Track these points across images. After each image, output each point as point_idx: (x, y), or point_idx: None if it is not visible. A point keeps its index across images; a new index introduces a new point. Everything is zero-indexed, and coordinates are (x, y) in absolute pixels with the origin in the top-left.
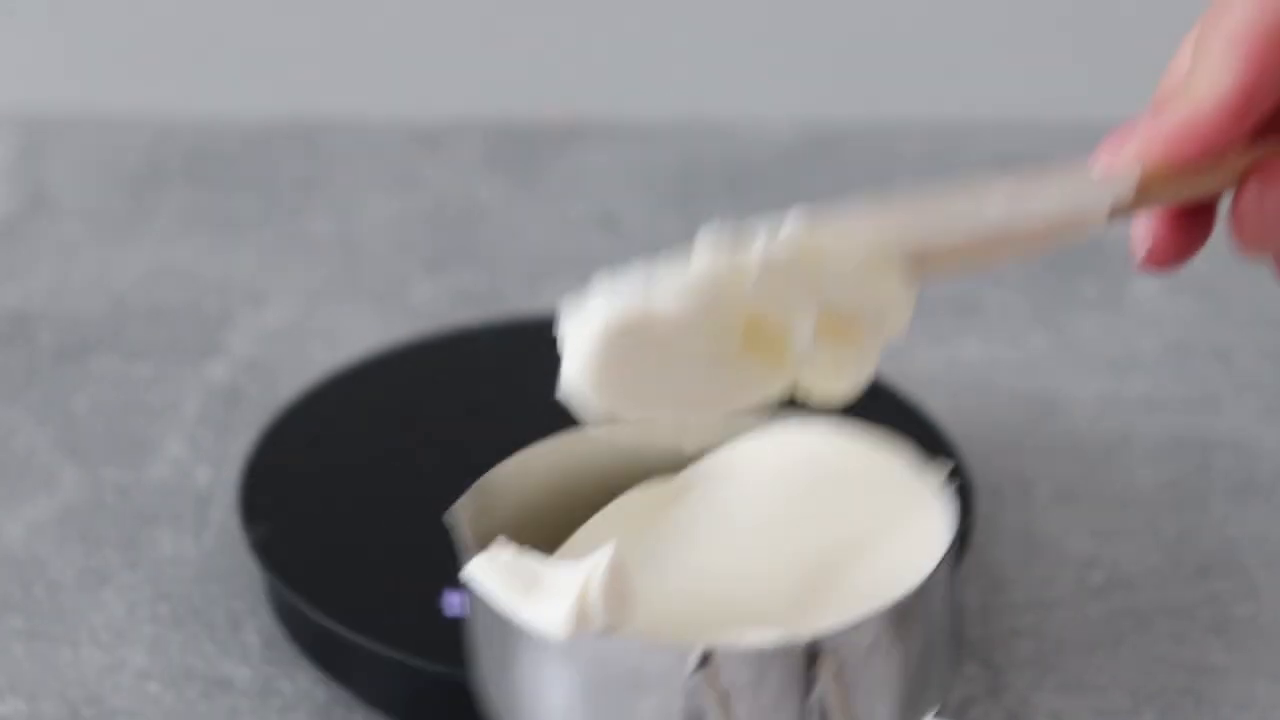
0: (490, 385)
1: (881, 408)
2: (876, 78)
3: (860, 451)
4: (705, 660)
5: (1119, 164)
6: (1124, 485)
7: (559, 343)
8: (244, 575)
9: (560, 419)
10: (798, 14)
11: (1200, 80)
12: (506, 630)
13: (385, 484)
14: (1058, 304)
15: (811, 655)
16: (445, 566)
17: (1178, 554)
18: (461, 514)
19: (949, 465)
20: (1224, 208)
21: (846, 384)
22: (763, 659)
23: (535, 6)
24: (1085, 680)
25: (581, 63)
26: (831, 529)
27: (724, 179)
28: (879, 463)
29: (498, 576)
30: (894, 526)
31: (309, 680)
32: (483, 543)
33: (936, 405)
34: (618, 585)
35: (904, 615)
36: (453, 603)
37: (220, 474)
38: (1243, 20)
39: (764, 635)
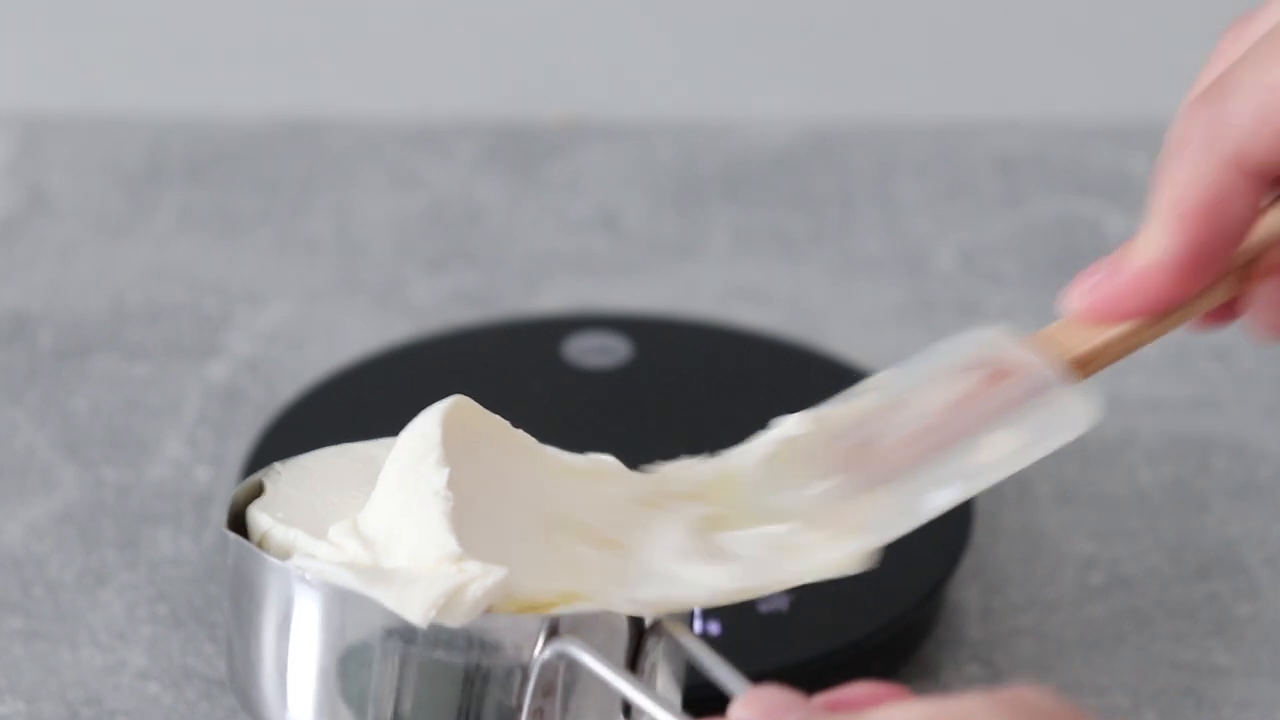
0: (490, 385)
1: None
2: (876, 78)
3: None
4: (553, 629)
5: (1071, 312)
6: (1124, 485)
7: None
8: None
9: (560, 418)
10: (797, 14)
11: (1142, 243)
12: (345, 614)
13: None
14: (1058, 304)
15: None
16: None
17: (1178, 554)
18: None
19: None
20: None
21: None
22: (607, 620)
23: (535, 6)
24: (1085, 680)
25: (581, 63)
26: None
27: (724, 179)
28: None
29: (330, 554)
30: None
31: None
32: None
33: None
34: (495, 598)
35: None
36: None
37: (220, 474)
38: (1183, 181)
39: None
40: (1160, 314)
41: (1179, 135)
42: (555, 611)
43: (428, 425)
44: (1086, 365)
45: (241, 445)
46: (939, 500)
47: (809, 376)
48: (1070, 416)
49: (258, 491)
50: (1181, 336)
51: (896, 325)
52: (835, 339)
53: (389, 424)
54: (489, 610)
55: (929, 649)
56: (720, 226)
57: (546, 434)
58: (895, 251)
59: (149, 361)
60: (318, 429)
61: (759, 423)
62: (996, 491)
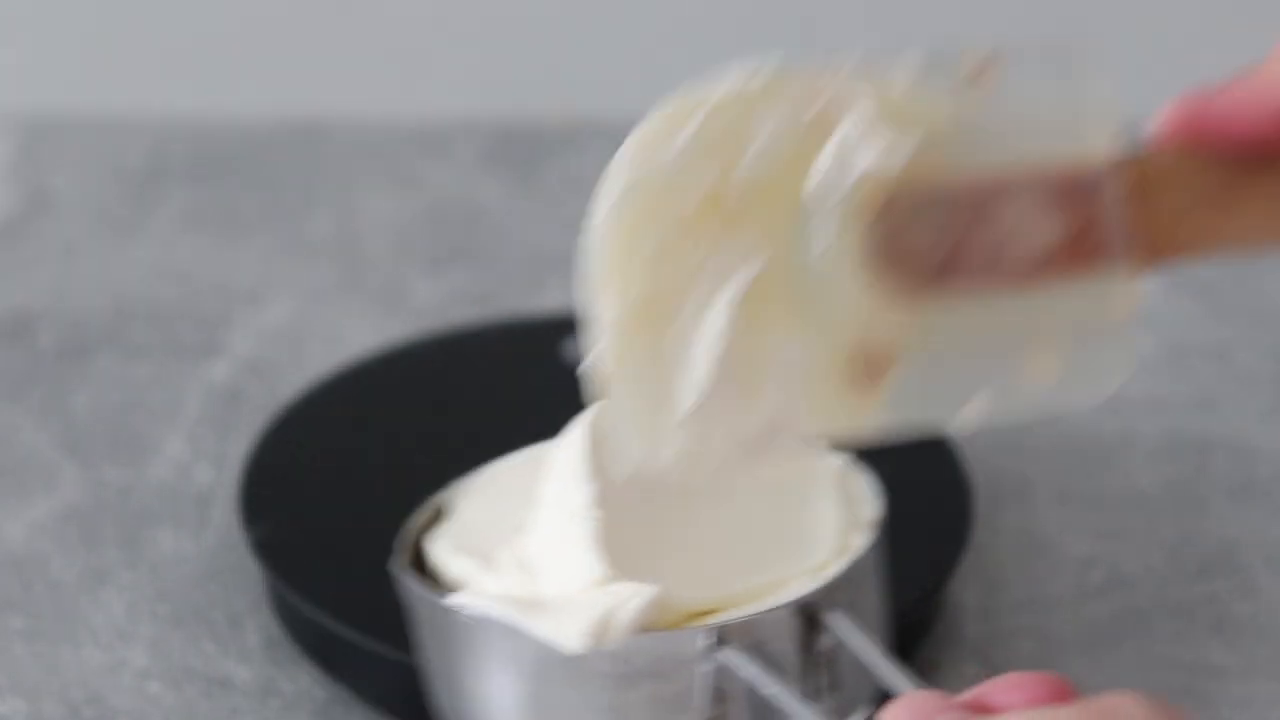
0: (490, 385)
1: None
2: None
3: None
4: (719, 637)
5: (1170, 124)
6: (1124, 485)
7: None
8: (244, 575)
9: (560, 419)
10: (797, 14)
11: (1267, 66)
12: (511, 643)
13: (385, 484)
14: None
15: (808, 612)
16: None
17: (1178, 554)
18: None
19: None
20: None
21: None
22: (771, 622)
23: (535, 6)
24: (1085, 680)
25: (581, 63)
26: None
27: None
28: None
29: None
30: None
31: (309, 680)
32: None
33: None
34: (649, 617)
35: (875, 559)
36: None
37: (220, 474)
38: None
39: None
40: (1260, 146)
41: None
42: (717, 620)
43: (575, 437)
44: (1161, 261)
45: (241, 445)
46: (966, 418)
47: None
48: (1112, 364)
49: (435, 517)
50: (1182, 336)
51: None
52: None
53: (389, 424)
54: (648, 628)
55: (929, 648)
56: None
57: (546, 434)
58: None
59: (150, 361)
60: (318, 429)
61: None
62: (996, 491)
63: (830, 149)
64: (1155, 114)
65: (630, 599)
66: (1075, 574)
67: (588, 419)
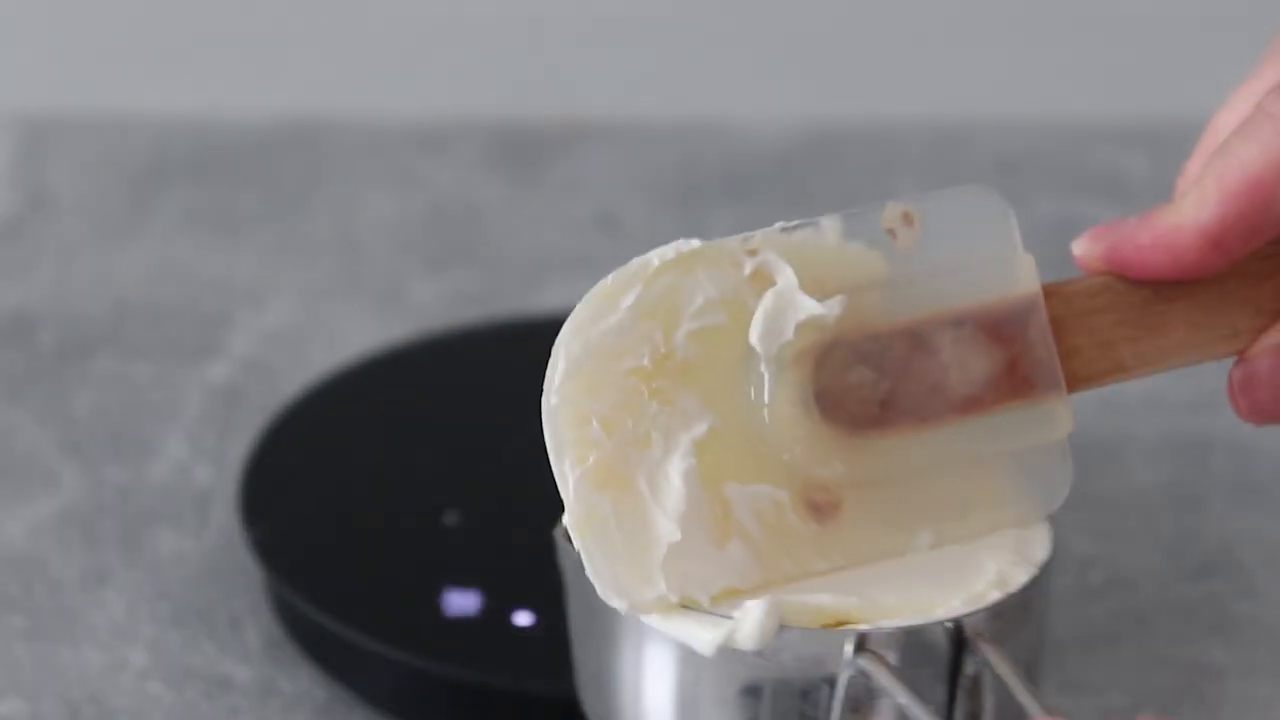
0: (490, 385)
1: None
2: (876, 78)
3: None
4: (861, 644)
5: (1089, 258)
6: (1124, 485)
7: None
8: (244, 575)
9: None
10: (798, 14)
11: (1176, 204)
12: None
13: (385, 484)
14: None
15: (957, 635)
16: (445, 566)
17: (1178, 554)
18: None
19: None
20: None
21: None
22: (916, 637)
23: (535, 6)
24: (1085, 680)
25: (582, 64)
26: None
27: (724, 179)
28: None
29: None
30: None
31: (309, 680)
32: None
33: None
34: (772, 622)
35: (1034, 597)
36: (455, 603)
37: (220, 474)
38: (1241, 157)
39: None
40: (1176, 276)
41: (1255, 117)
42: (863, 628)
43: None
44: (1087, 386)
45: (241, 445)
46: (919, 546)
47: None
48: (1053, 481)
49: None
50: None
51: None
52: None
53: (389, 424)
54: (787, 627)
55: None
56: (720, 227)
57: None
58: None
59: (150, 361)
60: (318, 429)
61: None
62: None
63: (766, 302)
64: (1075, 244)
65: (762, 609)
66: (1075, 574)
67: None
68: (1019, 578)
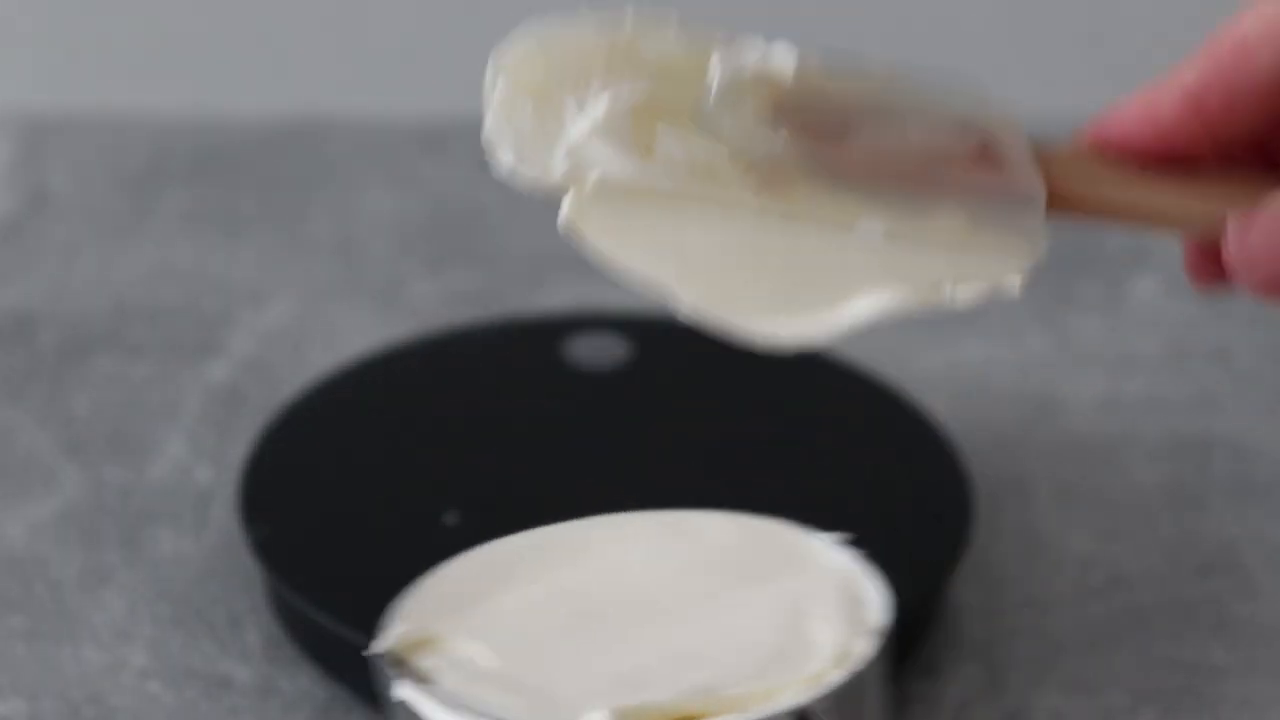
0: (490, 385)
1: (881, 408)
2: None
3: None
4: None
5: (1079, 138)
6: (1124, 485)
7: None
8: (244, 575)
9: (559, 419)
10: (797, 14)
11: (1173, 70)
12: None
13: (385, 484)
14: (1057, 304)
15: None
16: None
17: (1178, 554)
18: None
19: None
20: None
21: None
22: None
23: (536, 7)
24: (1085, 680)
25: None
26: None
27: None
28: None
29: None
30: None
31: (309, 680)
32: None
33: (936, 405)
34: None
35: (877, 668)
36: None
37: (220, 474)
38: (1230, 25)
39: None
40: (1155, 143)
41: None
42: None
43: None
44: (1068, 203)
45: (241, 445)
46: (867, 232)
47: (809, 377)
48: (1009, 261)
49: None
50: (1181, 335)
51: (896, 325)
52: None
53: (389, 424)
54: None
55: (929, 649)
56: None
57: (546, 434)
58: None
59: (150, 361)
60: (318, 429)
61: (758, 423)
62: (996, 491)
63: (730, 50)
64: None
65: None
66: (1075, 574)
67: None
68: (858, 649)
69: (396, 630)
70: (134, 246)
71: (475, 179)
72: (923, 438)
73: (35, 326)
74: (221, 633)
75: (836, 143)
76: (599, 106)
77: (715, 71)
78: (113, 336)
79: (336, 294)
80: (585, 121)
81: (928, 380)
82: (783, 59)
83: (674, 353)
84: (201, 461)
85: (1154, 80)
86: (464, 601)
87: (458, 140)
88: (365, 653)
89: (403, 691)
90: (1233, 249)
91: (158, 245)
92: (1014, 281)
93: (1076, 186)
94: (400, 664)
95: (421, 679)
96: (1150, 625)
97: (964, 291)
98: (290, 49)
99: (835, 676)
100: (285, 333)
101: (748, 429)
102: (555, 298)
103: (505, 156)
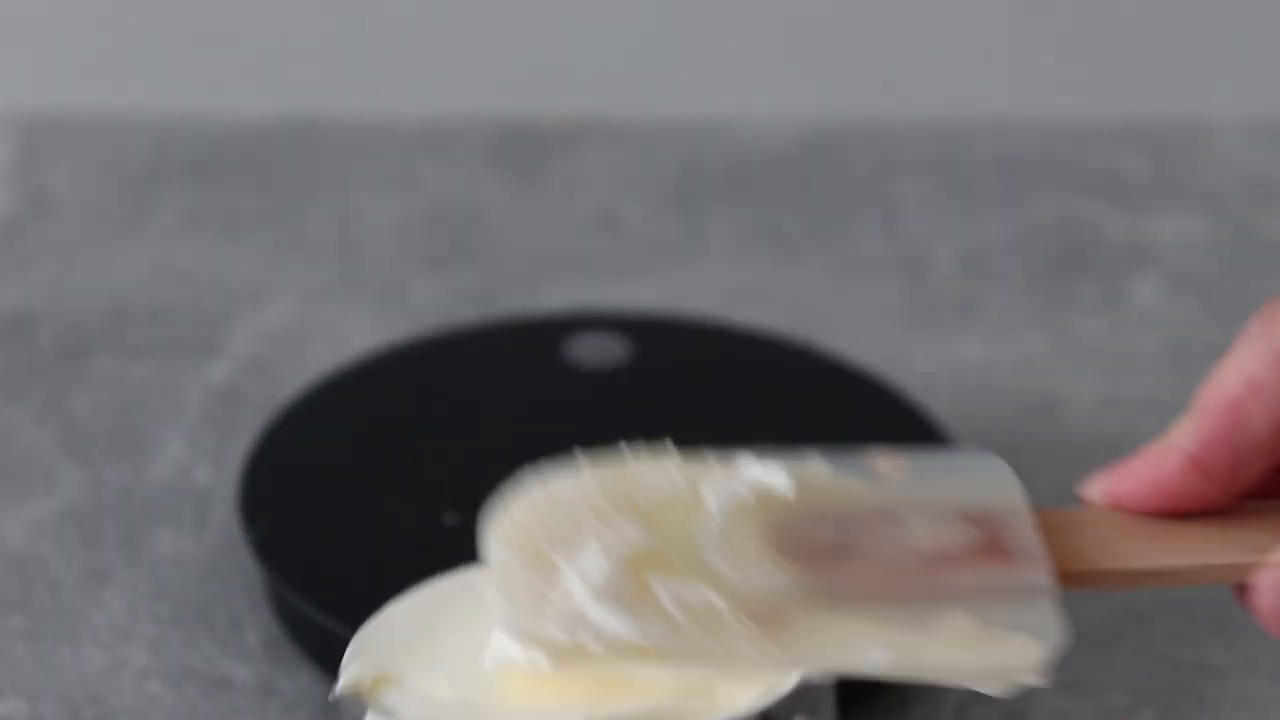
0: (490, 385)
1: (882, 408)
2: (876, 78)
3: None
4: None
5: (1092, 499)
6: None
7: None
8: (244, 575)
9: (559, 419)
10: (798, 14)
11: (1172, 430)
12: None
13: (385, 484)
14: (1058, 304)
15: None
16: (445, 566)
17: None
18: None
19: None
20: None
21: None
22: None
23: (536, 7)
24: (1085, 680)
25: (582, 63)
26: None
27: (724, 179)
28: None
29: None
30: None
31: (309, 680)
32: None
33: (936, 405)
34: None
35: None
36: None
37: (220, 474)
38: (1219, 373)
39: None
40: (1168, 505)
41: (1238, 341)
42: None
43: (484, 572)
44: (1085, 581)
45: (241, 445)
46: (872, 661)
47: (809, 377)
48: (1025, 662)
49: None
50: (1182, 336)
51: (896, 325)
52: (835, 339)
53: (389, 424)
54: None
55: None
56: (720, 227)
57: (546, 434)
58: (895, 252)
59: (149, 361)
60: (318, 429)
61: (758, 423)
62: None
63: (727, 470)
64: (1083, 489)
65: None
66: None
67: (494, 534)
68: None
69: (355, 669)
70: (134, 246)
71: (475, 179)
72: (923, 438)
73: (35, 326)
74: (221, 633)
75: (837, 564)
76: (593, 568)
77: (714, 503)
78: (113, 336)
79: (336, 294)
80: (579, 586)
81: (928, 380)
82: (779, 479)
83: (674, 353)
84: (201, 461)
85: (1153, 445)
86: (419, 636)
87: (458, 140)
88: (330, 697)
89: None
90: (1266, 607)
91: (158, 245)
92: (1031, 678)
93: (1092, 562)
94: (363, 702)
95: (386, 715)
96: (1150, 624)
97: (982, 690)
98: (290, 49)
99: (794, 679)
100: (285, 333)
101: (748, 429)
102: (555, 298)
103: (508, 627)
